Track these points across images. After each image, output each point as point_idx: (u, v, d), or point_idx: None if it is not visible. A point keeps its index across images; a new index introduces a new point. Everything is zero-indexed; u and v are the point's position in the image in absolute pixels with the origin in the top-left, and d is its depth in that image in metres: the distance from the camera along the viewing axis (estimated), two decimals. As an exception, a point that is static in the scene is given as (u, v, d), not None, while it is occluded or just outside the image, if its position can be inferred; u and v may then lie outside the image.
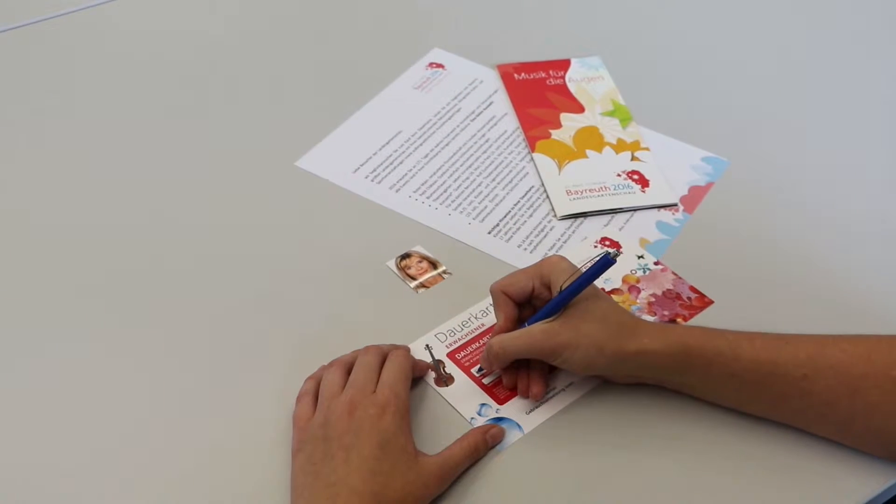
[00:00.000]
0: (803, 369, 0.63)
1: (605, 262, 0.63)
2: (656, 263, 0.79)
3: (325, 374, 0.67)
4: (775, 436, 0.66)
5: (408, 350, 0.70)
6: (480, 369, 0.71)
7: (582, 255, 0.72)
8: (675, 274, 0.78)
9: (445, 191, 0.86)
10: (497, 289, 0.69)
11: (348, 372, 0.67)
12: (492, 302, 0.70)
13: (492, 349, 0.68)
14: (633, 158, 0.89)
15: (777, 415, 0.66)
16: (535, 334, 0.66)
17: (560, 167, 0.88)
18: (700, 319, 0.74)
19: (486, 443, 0.66)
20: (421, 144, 0.91)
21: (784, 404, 0.65)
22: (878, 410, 0.62)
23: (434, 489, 0.62)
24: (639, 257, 0.79)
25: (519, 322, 0.69)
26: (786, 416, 0.66)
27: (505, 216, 0.83)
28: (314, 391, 0.67)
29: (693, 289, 0.77)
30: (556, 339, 0.65)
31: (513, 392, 0.69)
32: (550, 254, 0.80)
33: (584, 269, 0.65)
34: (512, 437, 0.67)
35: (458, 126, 0.93)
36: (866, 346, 0.64)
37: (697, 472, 0.65)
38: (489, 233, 0.82)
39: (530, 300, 0.69)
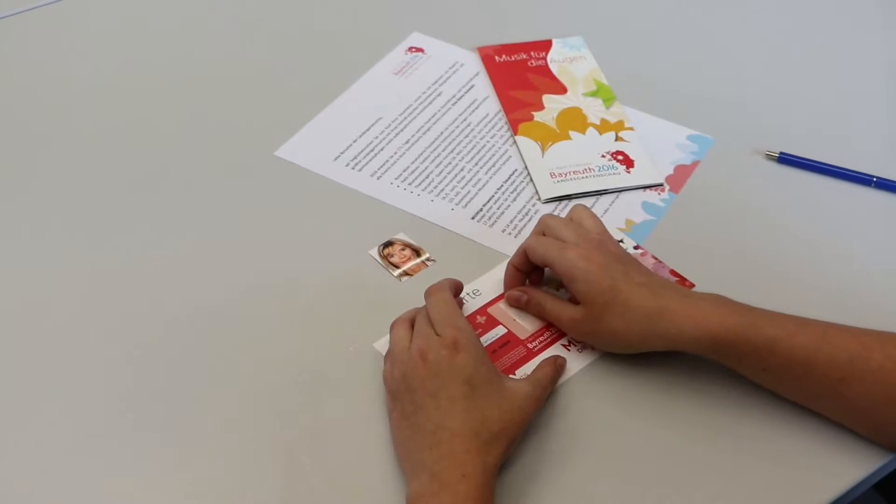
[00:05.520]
0: (841, 372, 0.61)
1: None
2: (636, 248, 0.78)
3: (390, 333, 0.67)
4: (752, 411, 0.65)
5: (441, 284, 0.69)
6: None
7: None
8: (654, 258, 0.77)
9: (427, 177, 0.84)
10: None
11: (412, 327, 0.67)
12: (473, 289, 0.71)
13: (534, 299, 0.70)
14: (618, 139, 0.87)
15: (808, 405, 0.64)
16: (564, 320, 0.68)
17: (543, 149, 0.86)
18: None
19: (559, 369, 0.67)
20: (402, 130, 0.89)
21: (815, 402, 0.64)
22: None
23: (531, 411, 0.63)
24: (618, 241, 0.78)
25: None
26: (817, 409, 0.64)
27: (488, 201, 0.82)
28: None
29: (673, 272, 0.75)
30: (579, 328, 0.68)
31: None
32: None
33: None
34: None
35: (438, 111, 0.91)
36: None
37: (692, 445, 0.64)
38: (472, 218, 0.81)
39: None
